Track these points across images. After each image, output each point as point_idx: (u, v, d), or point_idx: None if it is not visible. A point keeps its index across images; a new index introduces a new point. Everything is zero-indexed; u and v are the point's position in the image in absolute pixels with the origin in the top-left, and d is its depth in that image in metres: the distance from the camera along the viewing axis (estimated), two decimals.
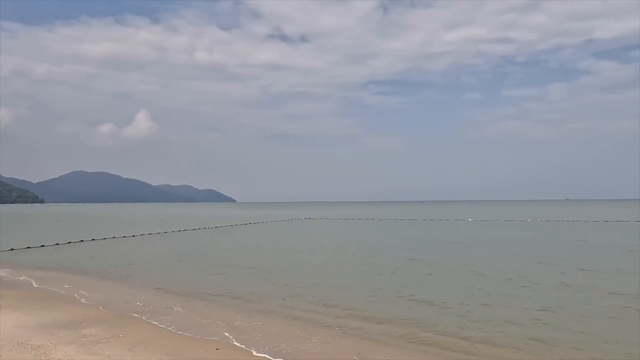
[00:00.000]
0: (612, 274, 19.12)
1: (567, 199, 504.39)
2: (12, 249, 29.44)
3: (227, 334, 11.06)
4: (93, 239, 36.71)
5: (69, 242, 34.14)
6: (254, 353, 9.71)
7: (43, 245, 31.80)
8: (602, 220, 61.49)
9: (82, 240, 35.58)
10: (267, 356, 9.51)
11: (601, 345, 10.08)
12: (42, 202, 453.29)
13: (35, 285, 17.53)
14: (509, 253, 26.68)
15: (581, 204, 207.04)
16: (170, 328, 11.61)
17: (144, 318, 12.57)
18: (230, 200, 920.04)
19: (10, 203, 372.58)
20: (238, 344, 10.27)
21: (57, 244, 33.02)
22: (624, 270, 20.06)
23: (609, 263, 22.28)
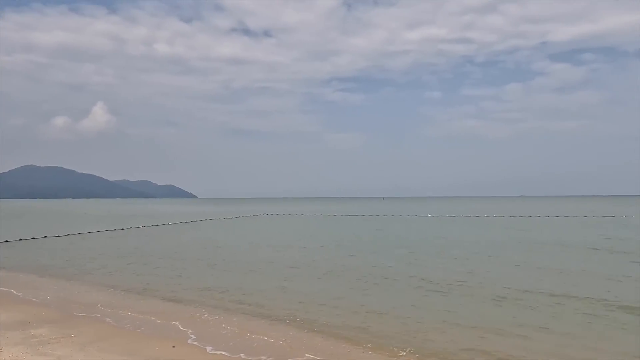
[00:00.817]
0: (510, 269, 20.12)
1: (521, 196, 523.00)
2: None
3: (183, 332, 10.99)
4: (45, 236, 35.37)
5: (20, 240, 32.80)
6: (209, 350, 9.71)
7: None
8: (552, 215, 64.26)
9: (33, 238, 34.23)
10: (224, 353, 9.52)
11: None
12: None
13: None
14: (455, 250, 27.56)
15: (535, 200, 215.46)
16: (124, 327, 11.44)
17: (97, 317, 12.31)
18: (191, 196, 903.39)
19: None
20: (194, 342, 10.23)
21: (7, 241, 31.66)
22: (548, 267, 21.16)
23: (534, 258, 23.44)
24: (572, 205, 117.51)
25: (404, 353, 9.48)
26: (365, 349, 9.76)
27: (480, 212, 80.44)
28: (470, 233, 39.34)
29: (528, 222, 52.45)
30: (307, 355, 9.32)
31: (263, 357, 9.22)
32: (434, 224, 51.41)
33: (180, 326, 11.44)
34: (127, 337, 10.55)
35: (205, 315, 12.42)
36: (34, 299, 14.43)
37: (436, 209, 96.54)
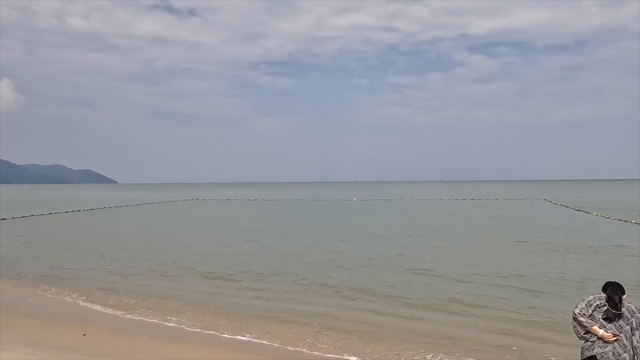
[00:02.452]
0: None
1: (441, 180, 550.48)
2: None
3: (95, 319, 10.53)
4: None
5: None
6: (127, 336, 9.37)
7: None
8: (468, 199, 68.43)
9: None
10: (143, 337, 9.23)
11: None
12: None
13: None
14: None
15: (453, 185, 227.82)
16: (32, 315, 10.73)
17: (1, 306, 11.43)
18: (110, 181, 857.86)
19: None
20: (106, 328, 9.82)
21: None
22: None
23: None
24: (486, 189, 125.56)
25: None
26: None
27: (402, 196, 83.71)
28: (382, 218, 40.80)
29: (440, 205, 55.39)
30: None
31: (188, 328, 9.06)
32: (354, 207, 52.80)
33: (91, 313, 11.00)
34: (34, 326, 9.90)
35: (117, 302, 11.98)
36: None
37: (361, 193, 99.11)
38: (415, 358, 8.09)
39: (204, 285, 13.94)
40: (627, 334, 4.84)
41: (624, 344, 4.81)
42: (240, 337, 9.24)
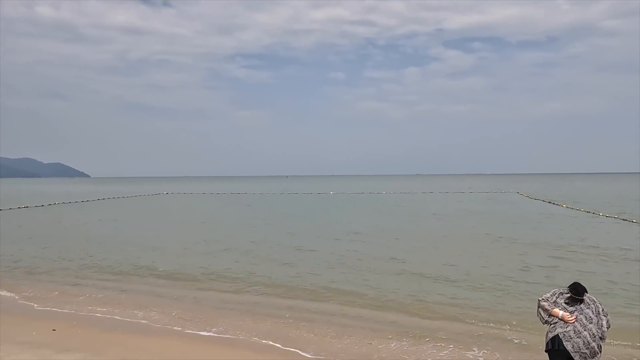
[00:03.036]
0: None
1: (417, 174, 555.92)
2: None
3: (65, 314, 10.42)
4: None
5: None
6: (98, 331, 9.31)
7: None
8: (443, 192, 69.45)
9: None
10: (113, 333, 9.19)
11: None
12: None
13: None
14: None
15: (429, 178, 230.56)
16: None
17: None
18: (82, 175, 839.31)
19: None
20: (76, 324, 9.73)
21: None
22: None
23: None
24: (460, 183, 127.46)
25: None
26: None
27: (378, 189, 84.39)
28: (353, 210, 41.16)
29: (414, 198, 56.12)
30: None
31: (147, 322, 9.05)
32: (329, 200, 53.06)
33: (62, 307, 10.85)
34: (1, 323, 9.73)
35: (87, 297, 11.88)
36: None
37: (338, 187, 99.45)
38: (381, 346, 8.29)
39: (172, 280, 13.86)
40: (587, 315, 5.18)
41: (584, 323, 5.13)
42: (209, 332, 9.28)
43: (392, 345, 8.41)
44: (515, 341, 8.48)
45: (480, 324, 9.42)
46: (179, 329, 9.47)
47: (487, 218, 31.00)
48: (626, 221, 27.06)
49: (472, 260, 16.05)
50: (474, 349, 8.16)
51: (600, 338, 5.09)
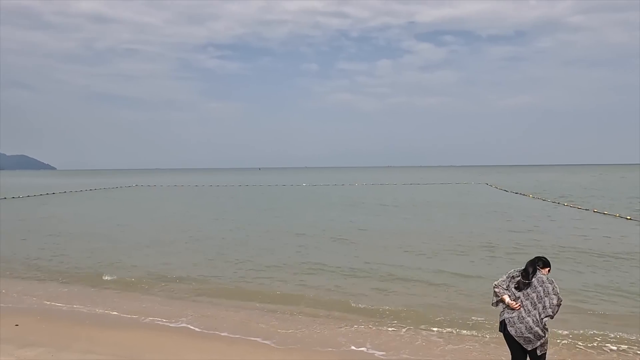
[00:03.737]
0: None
1: (389, 166, 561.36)
2: None
3: (28, 309, 10.16)
4: None
5: None
6: (63, 325, 9.11)
7: None
8: (414, 183, 70.41)
9: None
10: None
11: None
12: None
13: None
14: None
15: (400, 170, 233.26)
16: None
17: None
18: (48, 167, 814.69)
19: None
20: (40, 318, 9.50)
21: None
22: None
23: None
24: (431, 175, 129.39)
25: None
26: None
27: (351, 181, 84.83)
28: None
29: (385, 189, 56.75)
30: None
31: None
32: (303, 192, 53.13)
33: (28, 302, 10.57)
34: None
35: (45, 293, 11.62)
36: None
37: (311, 179, 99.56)
38: (347, 331, 8.41)
39: (140, 273, 13.68)
40: (532, 300, 5.46)
41: (528, 310, 5.45)
42: (178, 324, 9.22)
43: (355, 328, 8.65)
44: (471, 322, 8.79)
45: (436, 307, 9.87)
46: (148, 320, 9.37)
47: (458, 208, 31.61)
48: (588, 211, 28.06)
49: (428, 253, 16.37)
50: (433, 328, 8.60)
51: (548, 317, 5.38)
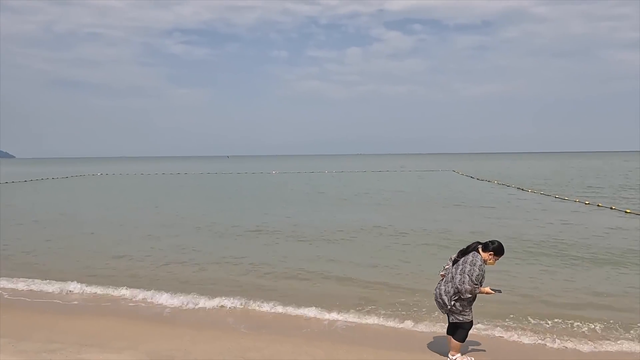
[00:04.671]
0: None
1: (359, 154, 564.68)
2: None
3: None
4: None
5: None
6: (23, 315, 8.81)
7: None
8: (384, 171, 71.10)
9: None
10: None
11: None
12: None
13: None
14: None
15: (370, 158, 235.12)
16: None
17: None
18: (6, 155, 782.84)
19: None
20: None
21: None
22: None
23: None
24: (400, 162, 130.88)
25: None
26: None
27: (321, 168, 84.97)
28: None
29: (354, 177, 57.18)
30: None
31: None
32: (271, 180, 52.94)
33: None
34: None
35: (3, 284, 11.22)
36: None
37: (281, 167, 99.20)
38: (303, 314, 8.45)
39: (101, 260, 13.42)
40: (452, 274, 6.13)
41: (446, 280, 6.19)
42: (144, 310, 9.08)
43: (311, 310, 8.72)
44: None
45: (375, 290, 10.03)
46: (114, 308, 9.18)
47: (425, 193, 32.10)
48: (549, 196, 29.01)
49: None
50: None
51: (456, 293, 5.96)
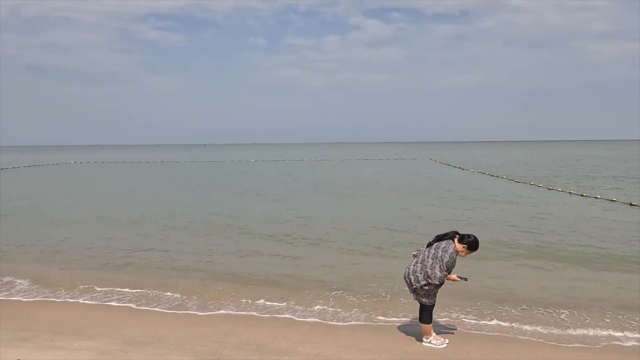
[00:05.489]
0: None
1: (337, 142, 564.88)
2: None
3: None
4: None
5: None
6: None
7: None
8: (362, 159, 71.39)
9: None
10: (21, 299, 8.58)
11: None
12: None
13: None
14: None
15: (349, 146, 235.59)
16: None
17: None
18: None
19: None
20: None
21: None
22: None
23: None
24: (379, 150, 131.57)
25: None
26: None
27: (300, 157, 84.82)
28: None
29: (332, 165, 57.35)
30: None
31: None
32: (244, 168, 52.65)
33: None
34: None
35: None
36: None
37: (259, 155, 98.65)
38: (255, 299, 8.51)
39: (49, 248, 13.25)
40: (424, 256, 6.31)
41: (416, 261, 6.39)
42: (85, 299, 8.99)
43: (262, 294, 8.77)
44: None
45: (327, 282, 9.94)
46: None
47: (402, 180, 32.40)
48: (520, 182, 29.63)
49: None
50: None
51: (426, 277, 6.12)
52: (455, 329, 7.16)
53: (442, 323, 7.37)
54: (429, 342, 6.45)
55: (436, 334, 6.59)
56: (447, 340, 6.51)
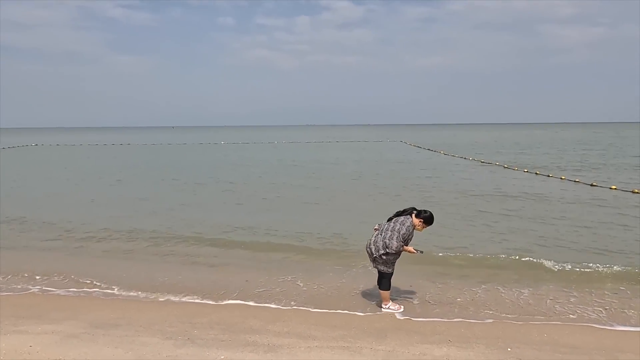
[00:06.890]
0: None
1: (308, 125, 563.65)
2: None
3: None
4: None
5: None
6: None
7: None
8: (334, 141, 71.45)
9: None
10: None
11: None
12: None
13: None
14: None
15: (320, 129, 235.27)
16: None
17: None
18: None
19: None
20: None
21: None
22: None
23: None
24: (350, 133, 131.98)
25: None
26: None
27: (270, 139, 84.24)
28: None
29: (304, 147, 57.27)
30: None
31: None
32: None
33: None
34: None
35: None
36: None
37: (229, 138, 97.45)
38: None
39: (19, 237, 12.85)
40: (384, 229, 6.79)
41: (377, 234, 6.88)
42: (67, 291, 8.81)
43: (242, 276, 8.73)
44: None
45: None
46: (50, 281, 8.83)
47: (370, 162, 32.64)
48: (490, 164, 30.34)
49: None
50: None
51: (384, 247, 6.61)
52: (415, 293, 7.72)
53: (402, 290, 7.84)
54: (388, 308, 6.96)
55: (392, 301, 7.10)
56: (402, 307, 7.02)
